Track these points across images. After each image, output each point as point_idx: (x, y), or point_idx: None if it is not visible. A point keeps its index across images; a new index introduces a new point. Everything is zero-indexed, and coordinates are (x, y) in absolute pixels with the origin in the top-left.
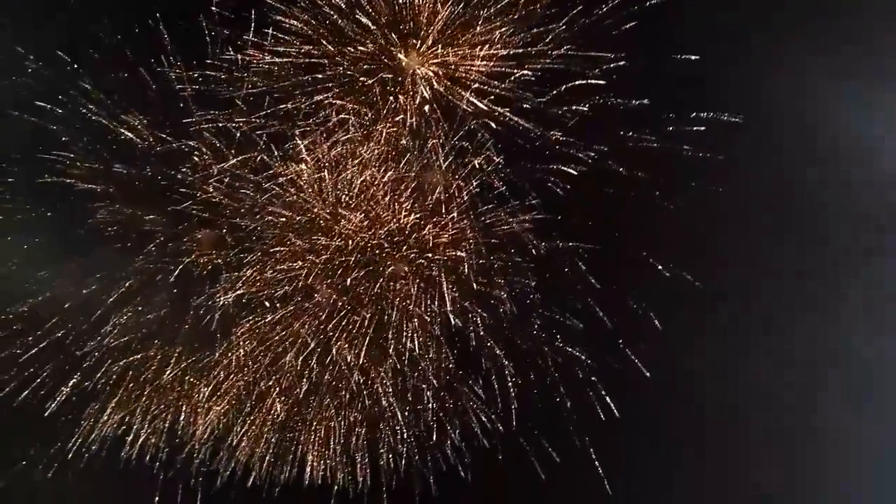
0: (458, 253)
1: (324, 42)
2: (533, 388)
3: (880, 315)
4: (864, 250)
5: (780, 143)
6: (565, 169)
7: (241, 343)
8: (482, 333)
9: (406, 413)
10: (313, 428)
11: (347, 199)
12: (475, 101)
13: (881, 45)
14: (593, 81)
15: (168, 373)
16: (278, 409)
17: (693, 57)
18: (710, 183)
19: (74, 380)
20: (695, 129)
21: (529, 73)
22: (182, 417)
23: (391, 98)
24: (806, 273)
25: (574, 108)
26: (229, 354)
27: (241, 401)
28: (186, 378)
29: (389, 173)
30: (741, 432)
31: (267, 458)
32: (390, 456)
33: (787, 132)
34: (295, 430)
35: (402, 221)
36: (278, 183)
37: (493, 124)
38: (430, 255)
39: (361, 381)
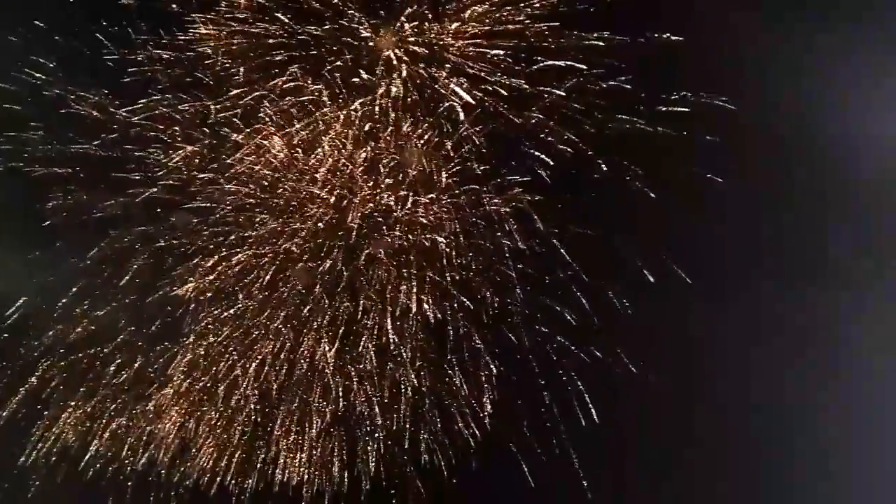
0: (437, 237)
1: (286, 20)
2: (514, 379)
3: (880, 315)
4: (864, 250)
5: (771, 130)
6: (543, 157)
7: (210, 334)
8: (461, 322)
9: (384, 407)
10: (286, 424)
11: (321, 178)
12: (450, 81)
13: (878, 34)
14: (573, 64)
15: (131, 368)
16: (248, 404)
17: (675, 37)
18: (694, 168)
19: (36, 374)
20: (676, 110)
21: (501, 52)
22: (150, 408)
23: (361, 78)
24: (806, 273)
25: (553, 88)
26: (199, 344)
27: (210, 396)
28: (150, 373)
29: (364, 153)
30: (738, 435)
31: (237, 457)
32: (367, 453)
33: (779, 119)
34: (266, 428)
35: (378, 202)
36: (249, 163)
37: (467, 108)
38: (408, 237)
39: (336, 373)
